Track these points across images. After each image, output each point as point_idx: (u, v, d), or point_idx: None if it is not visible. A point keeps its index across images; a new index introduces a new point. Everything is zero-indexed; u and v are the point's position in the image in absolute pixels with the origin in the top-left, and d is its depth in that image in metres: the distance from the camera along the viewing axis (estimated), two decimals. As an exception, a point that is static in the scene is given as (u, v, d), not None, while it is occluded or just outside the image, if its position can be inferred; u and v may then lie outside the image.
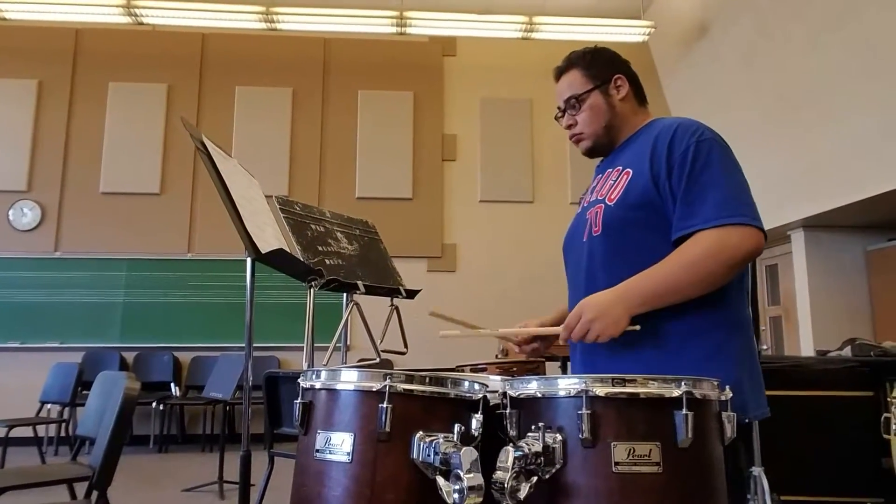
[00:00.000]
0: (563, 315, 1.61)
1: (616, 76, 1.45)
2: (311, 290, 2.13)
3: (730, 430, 0.97)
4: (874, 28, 3.86)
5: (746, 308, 1.33)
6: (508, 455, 0.88)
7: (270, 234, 2.23)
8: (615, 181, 1.37)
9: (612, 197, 1.35)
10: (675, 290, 1.21)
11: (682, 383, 0.91)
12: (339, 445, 0.94)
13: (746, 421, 1.21)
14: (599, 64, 1.47)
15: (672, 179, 1.27)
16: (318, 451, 0.96)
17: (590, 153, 1.51)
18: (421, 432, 0.93)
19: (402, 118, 6.93)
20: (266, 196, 2.52)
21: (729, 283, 1.24)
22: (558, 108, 1.51)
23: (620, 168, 1.38)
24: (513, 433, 0.97)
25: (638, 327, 1.20)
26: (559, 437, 0.91)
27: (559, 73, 1.51)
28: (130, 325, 6.30)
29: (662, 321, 1.25)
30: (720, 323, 1.26)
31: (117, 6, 5.81)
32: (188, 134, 2.17)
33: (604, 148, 1.49)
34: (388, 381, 0.93)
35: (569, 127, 1.50)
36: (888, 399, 2.57)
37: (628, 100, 1.46)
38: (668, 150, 1.29)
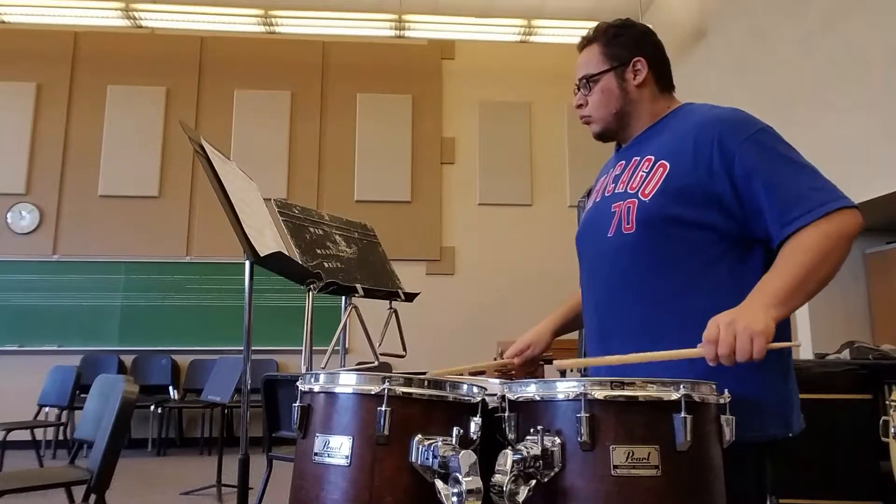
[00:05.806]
0: (574, 306, 1.53)
1: (636, 59, 1.33)
2: (310, 293, 2.13)
3: (728, 434, 0.96)
4: (865, 29, 3.87)
5: None
6: (507, 458, 0.88)
7: (269, 238, 2.23)
8: (647, 173, 1.24)
9: (647, 192, 1.22)
10: (802, 286, 1.08)
11: (681, 386, 0.91)
12: (337, 449, 0.94)
13: (791, 435, 1.16)
14: (621, 43, 1.35)
15: (735, 174, 1.16)
16: (316, 454, 0.96)
17: (599, 137, 1.41)
18: (420, 436, 0.92)
19: (401, 121, 6.94)
20: (265, 199, 2.53)
21: (749, 285, 1.15)
22: (576, 83, 1.41)
23: (652, 159, 1.26)
24: (511, 436, 0.96)
25: (799, 343, 1.02)
26: (558, 440, 0.90)
27: (582, 44, 1.40)
28: (129, 328, 6.29)
29: (666, 328, 1.17)
30: None
31: (116, 9, 5.82)
32: (187, 137, 2.17)
33: (614, 134, 1.39)
34: (387, 384, 0.93)
35: (578, 107, 1.39)
36: (886, 402, 2.56)
37: (647, 86, 1.34)
38: (719, 142, 1.18)
